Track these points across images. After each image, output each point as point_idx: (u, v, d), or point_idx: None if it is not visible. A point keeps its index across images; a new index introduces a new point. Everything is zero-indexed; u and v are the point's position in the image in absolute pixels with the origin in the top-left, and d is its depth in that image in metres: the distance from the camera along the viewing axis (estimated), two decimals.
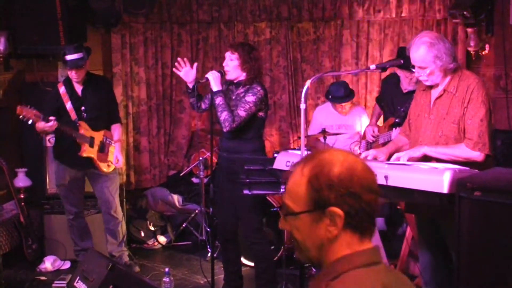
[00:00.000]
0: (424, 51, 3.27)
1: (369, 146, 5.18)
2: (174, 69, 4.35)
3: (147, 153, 6.39)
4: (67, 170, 4.94)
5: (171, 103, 6.45)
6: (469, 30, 5.88)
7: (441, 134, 3.34)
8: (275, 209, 4.98)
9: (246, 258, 4.97)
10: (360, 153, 4.42)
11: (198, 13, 6.28)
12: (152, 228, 5.94)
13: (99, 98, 4.95)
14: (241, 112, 4.08)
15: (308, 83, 3.26)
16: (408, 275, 4.42)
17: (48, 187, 5.62)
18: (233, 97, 4.20)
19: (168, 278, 4.23)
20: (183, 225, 5.97)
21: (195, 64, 4.31)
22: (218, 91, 4.13)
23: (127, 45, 6.22)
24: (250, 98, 4.10)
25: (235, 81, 4.22)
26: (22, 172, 5.51)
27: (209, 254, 5.20)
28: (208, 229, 5.57)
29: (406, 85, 4.98)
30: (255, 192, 3.98)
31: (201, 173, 5.64)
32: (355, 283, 1.41)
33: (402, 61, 3.90)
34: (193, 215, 5.98)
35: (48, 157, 5.53)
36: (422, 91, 3.53)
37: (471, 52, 5.94)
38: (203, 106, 4.38)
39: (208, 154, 5.56)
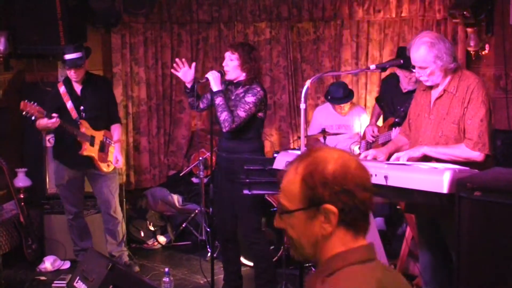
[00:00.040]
0: (424, 51, 3.27)
1: (369, 146, 5.18)
2: (172, 70, 4.36)
3: (147, 153, 6.39)
4: (66, 170, 4.94)
5: (171, 103, 6.45)
6: (469, 30, 5.88)
7: (441, 134, 3.34)
8: (274, 209, 4.97)
9: (245, 258, 4.98)
10: (359, 153, 4.43)
11: (198, 13, 6.28)
12: (152, 228, 5.94)
13: (98, 98, 4.95)
14: (241, 113, 4.08)
15: (308, 83, 3.26)
16: (408, 275, 4.44)
17: (48, 187, 5.62)
18: (232, 97, 4.20)
19: (168, 278, 4.22)
20: (183, 225, 5.97)
21: (193, 64, 4.31)
22: (218, 91, 4.13)
23: (127, 45, 6.22)
24: (250, 98, 4.10)
25: (234, 81, 4.22)
26: (22, 172, 5.51)
27: (209, 254, 5.20)
28: (208, 229, 5.57)
29: (405, 85, 4.98)
30: (255, 192, 3.98)
31: (201, 173, 5.64)
32: (350, 280, 1.43)
33: (402, 61, 3.91)
34: (193, 215, 5.98)
35: (48, 157, 5.53)
36: (422, 91, 3.53)
37: (471, 52, 5.93)
38: (201, 105, 4.38)
39: (208, 154, 5.56)
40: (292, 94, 6.46)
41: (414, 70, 3.45)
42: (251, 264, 4.86)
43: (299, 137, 6.16)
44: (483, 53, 5.88)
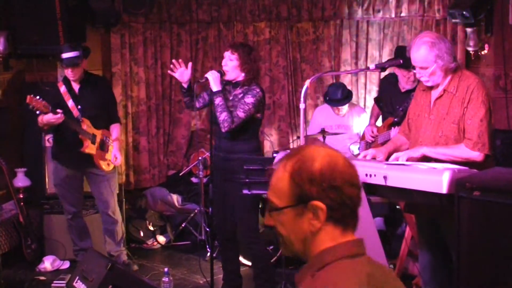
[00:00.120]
0: (425, 51, 3.27)
1: (368, 146, 5.18)
2: (169, 71, 4.36)
3: (146, 153, 6.38)
4: (65, 170, 4.94)
5: (171, 103, 6.45)
6: (468, 30, 5.87)
7: (441, 134, 3.34)
8: None
9: (244, 257, 4.97)
10: (359, 153, 4.43)
11: (197, 13, 6.28)
12: (151, 228, 5.94)
13: (97, 97, 4.94)
14: (240, 114, 4.09)
15: (307, 83, 3.27)
16: (407, 275, 4.45)
17: (47, 187, 5.61)
18: (231, 98, 4.20)
19: (167, 278, 4.23)
20: (183, 225, 5.97)
21: (190, 64, 4.31)
22: (218, 91, 4.13)
23: (127, 45, 6.22)
24: (249, 99, 4.11)
25: (233, 82, 4.22)
26: (21, 172, 5.51)
27: (208, 254, 5.20)
28: (207, 229, 5.57)
29: (404, 84, 4.98)
30: (254, 191, 3.98)
31: (201, 173, 5.64)
32: (339, 273, 1.44)
33: (401, 60, 3.91)
34: (192, 215, 5.97)
35: (48, 157, 5.52)
36: (422, 91, 3.52)
37: (471, 52, 5.93)
38: (197, 105, 4.38)
39: (208, 154, 5.56)
40: (291, 94, 6.46)
41: (413, 70, 3.45)
42: (250, 264, 4.86)
43: (298, 137, 6.17)
44: (483, 53, 5.88)
